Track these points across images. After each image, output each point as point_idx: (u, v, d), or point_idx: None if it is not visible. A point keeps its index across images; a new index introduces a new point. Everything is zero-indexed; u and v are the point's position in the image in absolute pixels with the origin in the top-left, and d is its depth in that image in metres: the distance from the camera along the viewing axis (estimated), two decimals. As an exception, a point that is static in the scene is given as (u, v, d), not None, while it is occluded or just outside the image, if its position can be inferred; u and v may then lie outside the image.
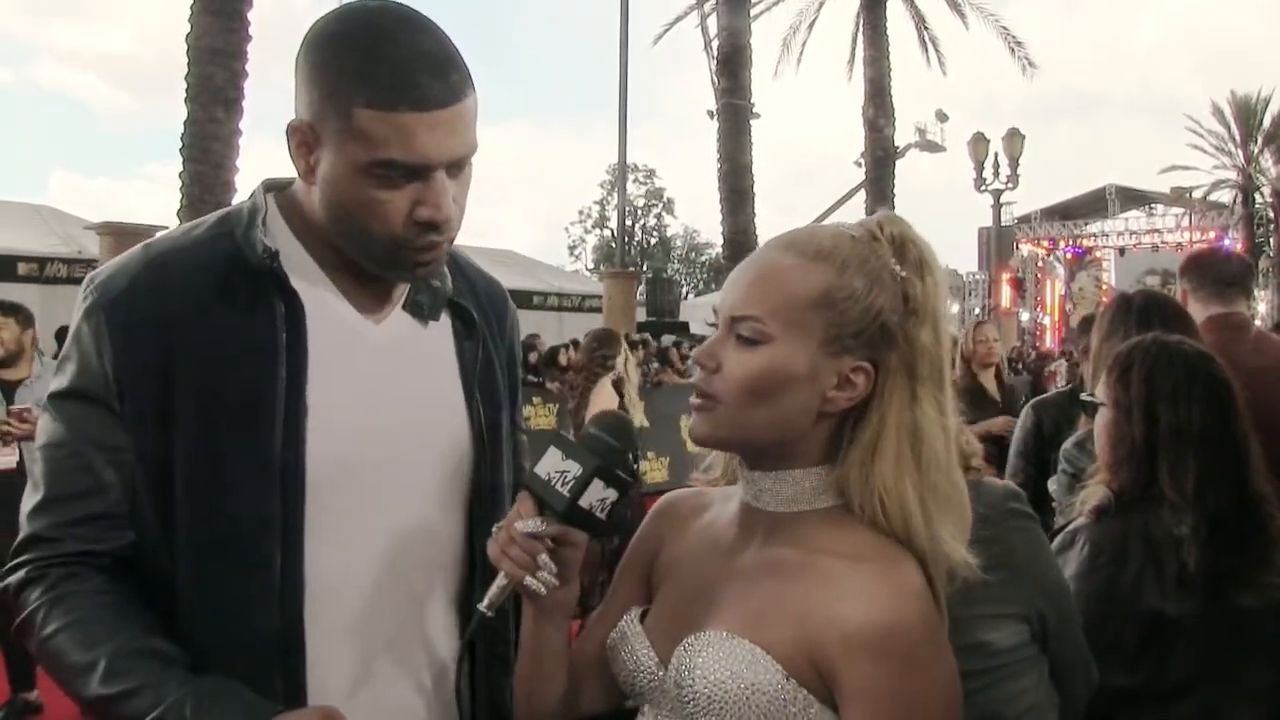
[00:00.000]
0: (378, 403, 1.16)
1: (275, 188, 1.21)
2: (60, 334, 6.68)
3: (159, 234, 1.22)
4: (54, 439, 1.11)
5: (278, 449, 1.09)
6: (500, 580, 1.05)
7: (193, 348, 1.09)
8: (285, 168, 1.23)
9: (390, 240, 1.09)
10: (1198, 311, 2.62)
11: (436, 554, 1.21)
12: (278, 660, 1.09)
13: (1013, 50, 21.64)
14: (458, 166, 1.10)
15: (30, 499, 1.11)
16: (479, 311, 1.28)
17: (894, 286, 1.00)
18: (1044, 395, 3.58)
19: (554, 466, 1.04)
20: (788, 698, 0.94)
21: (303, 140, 1.10)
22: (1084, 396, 2.12)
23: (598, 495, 1.03)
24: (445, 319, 1.26)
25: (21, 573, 1.09)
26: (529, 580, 1.03)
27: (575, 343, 9.52)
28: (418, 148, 1.04)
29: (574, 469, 1.03)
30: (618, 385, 5.19)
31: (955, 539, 0.99)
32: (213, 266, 1.12)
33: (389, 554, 1.16)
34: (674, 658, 1.00)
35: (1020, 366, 14.99)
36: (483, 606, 1.06)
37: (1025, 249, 24.40)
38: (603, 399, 5.07)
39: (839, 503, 1.01)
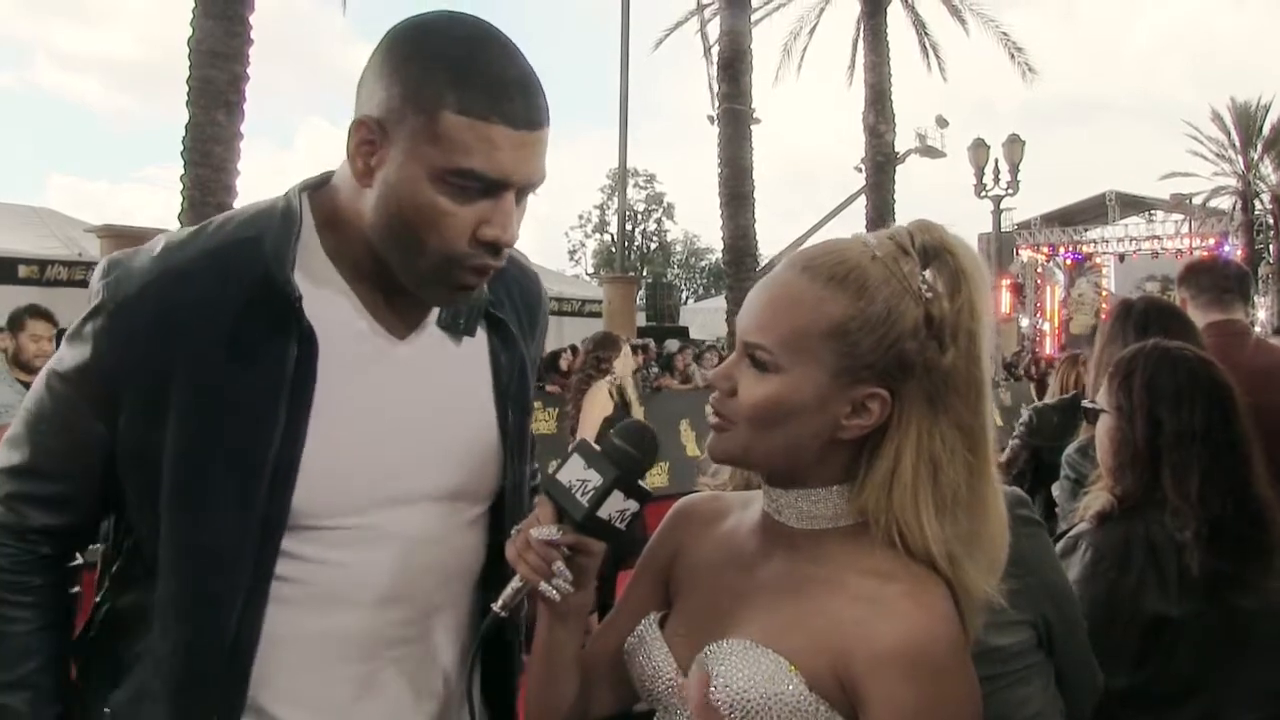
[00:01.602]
0: (394, 423, 1.12)
1: (309, 187, 1.15)
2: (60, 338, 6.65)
3: (182, 231, 1.15)
4: (39, 409, 1.12)
5: (271, 463, 1.05)
6: (515, 582, 1.04)
7: (196, 365, 1.05)
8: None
9: (444, 256, 1.04)
10: (1197, 318, 2.64)
11: (450, 567, 1.19)
12: (224, 671, 1.06)
13: (1012, 56, 21.65)
14: (524, 193, 1.06)
15: (6, 453, 1.13)
16: (516, 320, 1.24)
17: (916, 311, 0.95)
18: (1044, 402, 3.59)
19: (575, 474, 1.02)
20: (808, 709, 0.93)
21: (367, 137, 1.03)
22: (1085, 403, 2.13)
23: (617, 506, 1.02)
24: (481, 333, 1.21)
25: None
26: (544, 586, 1.02)
27: (574, 348, 9.52)
28: (501, 162, 1.00)
29: (594, 479, 1.01)
30: (620, 389, 5.17)
31: (981, 573, 0.97)
32: (233, 280, 1.06)
33: (399, 572, 1.13)
34: (694, 665, 0.99)
35: (1021, 372, 14.99)
36: (497, 607, 1.06)
37: (1025, 255, 24.40)
38: (597, 402, 5.05)
39: (861, 520, 0.99)
